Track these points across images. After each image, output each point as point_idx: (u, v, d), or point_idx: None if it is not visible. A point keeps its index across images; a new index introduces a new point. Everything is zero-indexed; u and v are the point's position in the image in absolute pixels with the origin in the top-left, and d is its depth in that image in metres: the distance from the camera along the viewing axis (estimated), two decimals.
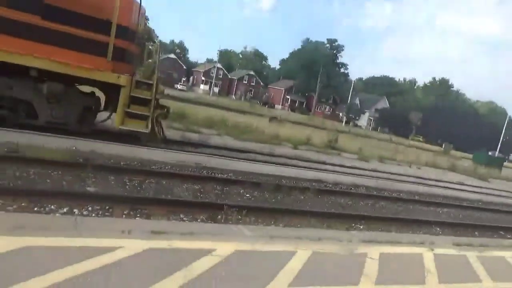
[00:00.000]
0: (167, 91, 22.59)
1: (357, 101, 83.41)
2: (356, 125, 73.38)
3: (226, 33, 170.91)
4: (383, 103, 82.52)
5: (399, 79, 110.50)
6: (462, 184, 16.81)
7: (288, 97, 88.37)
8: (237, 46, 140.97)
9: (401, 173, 15.05)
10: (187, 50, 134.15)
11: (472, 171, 22.46)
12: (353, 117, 74.09)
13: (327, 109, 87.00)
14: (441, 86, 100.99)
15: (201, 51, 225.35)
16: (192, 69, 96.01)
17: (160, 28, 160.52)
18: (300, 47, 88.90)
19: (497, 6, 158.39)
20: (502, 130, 70.15)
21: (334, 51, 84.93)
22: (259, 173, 8.75)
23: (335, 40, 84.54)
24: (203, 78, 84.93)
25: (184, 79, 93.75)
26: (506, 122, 72.01)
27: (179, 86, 71.62)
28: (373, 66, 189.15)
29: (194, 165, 8.16)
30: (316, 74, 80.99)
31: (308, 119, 54.85)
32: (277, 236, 4.34)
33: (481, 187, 17.11)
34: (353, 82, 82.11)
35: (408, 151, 25.13)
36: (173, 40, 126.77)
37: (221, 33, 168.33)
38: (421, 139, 74.69)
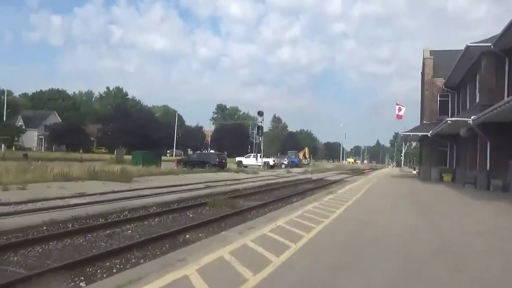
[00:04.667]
0: None
1: (20, 120, 69.06)
2: (20, 148, 59.83)
3: None
4: (54, 118, 72.23)
5: (73, 92, 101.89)
6: (82, 195, 11.91)
7: None
8: None
9: None
10: None
11: (119, 174, 18.51)
12: (9, 138, 59.65)
13: None
14: (117, 95, 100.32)
15: None
16: None
17: None
18: None
19: (161, 24, 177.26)
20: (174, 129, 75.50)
21: None
22: None
23: None
24: None
25: None
26: (176, 120, 78.14)
27: None
28: (46, 80, 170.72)
29: None
30: None
31: None
32: None
33: (104, 193, 12.82)
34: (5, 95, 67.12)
35: (42, 166, 18.65)
36: None
37: None
38: (103, 151, 70.06)
